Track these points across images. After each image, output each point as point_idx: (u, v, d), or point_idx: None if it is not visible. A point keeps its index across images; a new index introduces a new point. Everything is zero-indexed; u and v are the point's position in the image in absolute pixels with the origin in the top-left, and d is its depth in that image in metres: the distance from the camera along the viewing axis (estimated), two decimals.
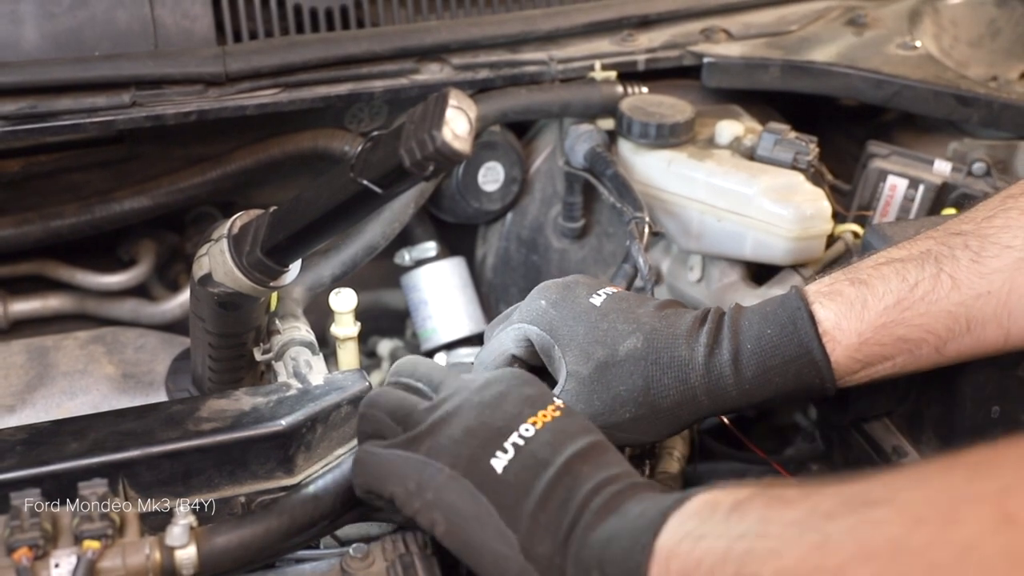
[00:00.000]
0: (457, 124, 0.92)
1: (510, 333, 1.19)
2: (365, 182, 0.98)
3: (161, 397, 1.44)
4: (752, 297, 1.47)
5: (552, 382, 1.16)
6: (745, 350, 1.11)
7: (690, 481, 1.36)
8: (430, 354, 1.70)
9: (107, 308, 1.64)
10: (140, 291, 1.65)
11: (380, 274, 1.76)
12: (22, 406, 1.42)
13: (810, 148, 1.50)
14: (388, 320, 1.80)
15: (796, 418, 1.70)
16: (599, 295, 1.18)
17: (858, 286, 1.12)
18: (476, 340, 1.70)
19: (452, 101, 0.93)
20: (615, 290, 1.20)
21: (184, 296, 1.62)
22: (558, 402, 1.01)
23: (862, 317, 1.10)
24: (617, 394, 1.12)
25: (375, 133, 1.00)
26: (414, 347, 1.75)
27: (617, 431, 1.12)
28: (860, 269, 1.14)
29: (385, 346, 1.77)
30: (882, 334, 1.10)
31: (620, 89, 1.61)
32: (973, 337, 1.11)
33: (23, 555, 0.91)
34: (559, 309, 1.16)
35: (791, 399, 1.15)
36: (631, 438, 1.14)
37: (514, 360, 1.20)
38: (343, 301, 1.26)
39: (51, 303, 1.63)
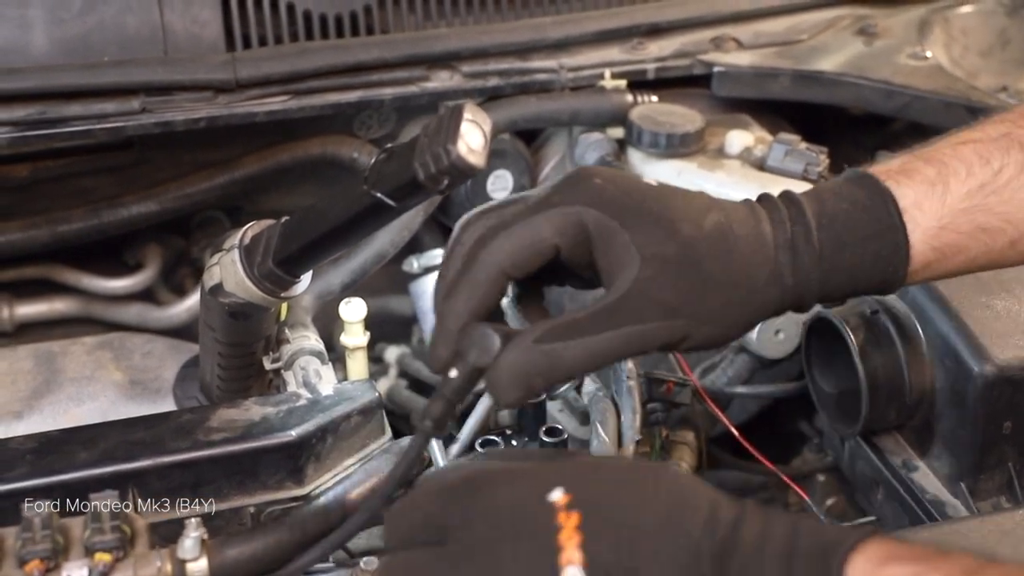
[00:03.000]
0: (472, 138, 0.92)
1: (550, 220, 0.91)
2: (378, 195, 0.98)
3: (169, 404, 1.44)
4: None
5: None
6: (823, 226, 0.96)
7: None
8: None
9: (113, 312, 1.63)
10: (146, 295, 1.65)
11: (386, 280, 1.75)
12: (29, 412, 1.41)
13: (820, 159, 1.50)
14: (394, 326, 1.80)
15: (803, 427, 1.70)
16: (647, 177, 0.99)
17: (937, 166, 1.00)
18: None
19: (467, 115, 0.93)
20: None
21: (190, 300, 1.62)
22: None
23: (944, 200, 0.99)
24: (708, 274, 0.92)
25: (389, 146, 1.00)
26: (421, 353, 1.75)
27: (705, 323, 0.93)
28: (935, 149, 1.02)
29: (392, 352, 1.76)
30: (962, 220, 0.99)
31: (630, 98, 1.60)
32: None
33: (35, 567, 0.91)
34: (619, 186, 0.93)
35: (860, 291, 1.01)
36: (718, 332, 0.95)
37: (556, 249, 0.92)
38: (353, 311, 1.26)
39: (57, 306, 1.63)
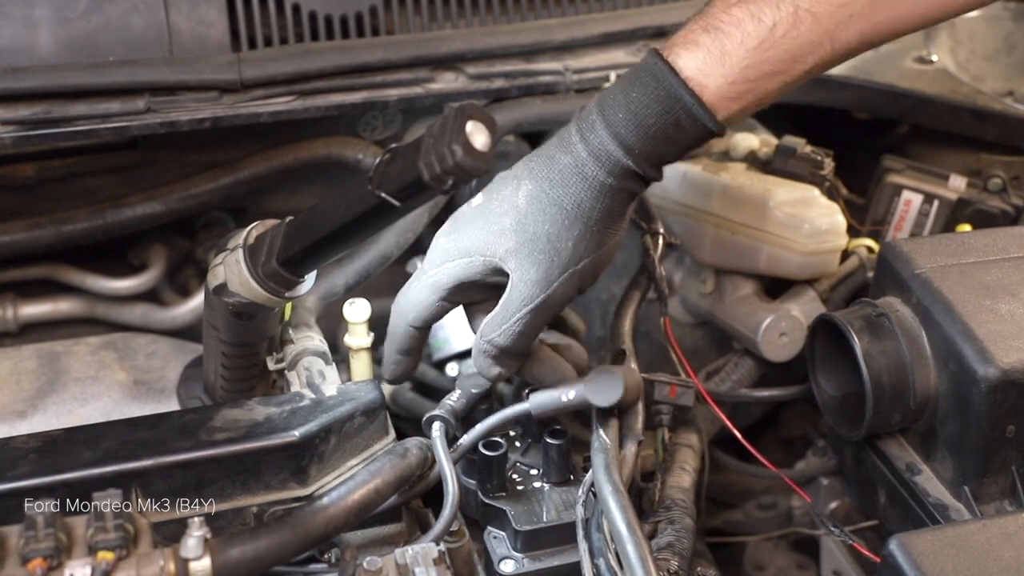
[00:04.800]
0: (477, 138, 0.92)
1: (471, 266, 1.19)
2: (383, 195, 0.98)
3: (173, 404, 1.44)
4: (766, 311, 1.46)
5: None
6: (617, 120, 1.12)
7: (701, 493, 1.36)
8: (442, 364, 1.70)
9: (117, 313, 1.63)
10: (151, 296, 1.65)
11: (391, 281, 1.75)
12: (33, 412, 1.42)
13: (825, 162, 1.50)
14: None
15: (808, 431, 1.70)
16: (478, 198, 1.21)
17: (713, 33, 1.13)
18: None
19: (472, 115, 0.93)
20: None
21: (194, 301, 1.62)
22: None
23: (724, 63, 1.12)
24: (534, 235, 1.14)
25: (394, 146, 0.99)
26: (424, 356, 1.75)
27: (581, 261, 1.15)
28: (711, 15, 1.14)
29: None
30: (749, 72, 1.13)
31: None
32: (833, 51, 1.15)
33: (38, 566, 0.91)
34: (454, 236, 1.20)
35: (690, 147, 1.16)
36: (598, 257, 1.16)
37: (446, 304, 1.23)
38: (357, 312, 1.26)
39: (61, 307, 1.63)
